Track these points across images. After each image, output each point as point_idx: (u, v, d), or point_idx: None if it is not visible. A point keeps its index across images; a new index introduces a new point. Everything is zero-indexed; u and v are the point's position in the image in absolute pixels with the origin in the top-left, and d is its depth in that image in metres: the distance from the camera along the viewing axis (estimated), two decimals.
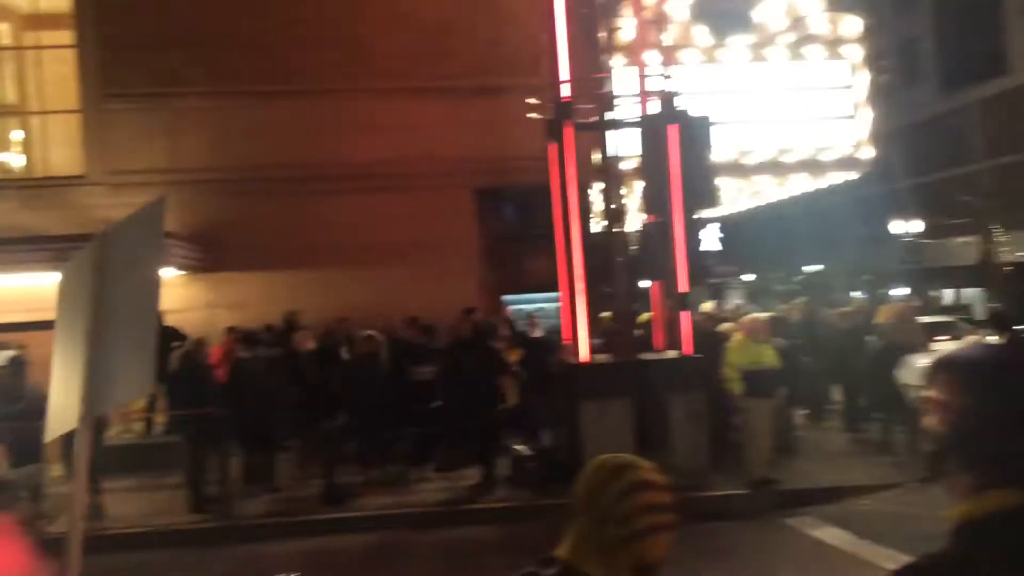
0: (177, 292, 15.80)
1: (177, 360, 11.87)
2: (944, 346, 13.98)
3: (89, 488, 10.61)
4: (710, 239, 13.50)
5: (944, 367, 1.90)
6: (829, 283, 38.36)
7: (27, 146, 17.30)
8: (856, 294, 35.17)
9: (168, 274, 15.22)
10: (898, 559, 7.93)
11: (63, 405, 2.66)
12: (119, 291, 2.63)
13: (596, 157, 11.75)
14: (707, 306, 17.19)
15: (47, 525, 10.30)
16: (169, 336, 13.20)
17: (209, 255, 16.02)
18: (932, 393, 1.88)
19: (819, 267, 40.47)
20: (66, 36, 16.38)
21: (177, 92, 15.85)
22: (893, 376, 11.92)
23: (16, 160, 17.38)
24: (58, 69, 16.57)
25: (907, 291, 31.00)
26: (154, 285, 2.72)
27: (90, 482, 10.59)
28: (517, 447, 11.76)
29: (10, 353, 14.03)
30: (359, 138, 16.09)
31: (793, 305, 15.48)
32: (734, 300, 31.77)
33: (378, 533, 10.04)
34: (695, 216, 11.16)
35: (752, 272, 42.01)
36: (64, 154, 16.74)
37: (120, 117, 16.20)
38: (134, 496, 11.71)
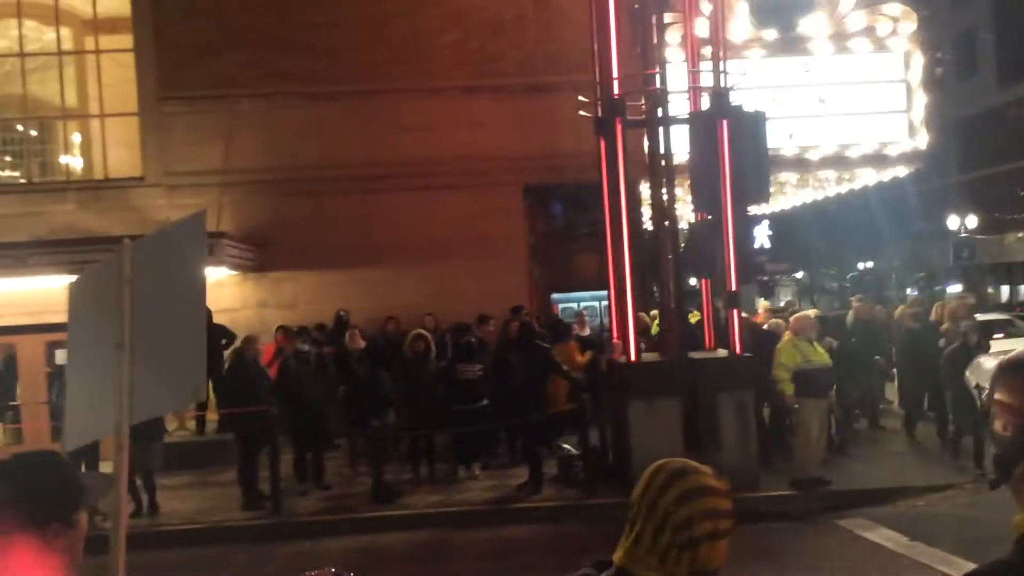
0: (229, 292, 16.07)
1: (228, 358, 12.07)
2: (1004, 345, 13.68)
3: (146, 485, 10.88)
4: (761, 235, 13.35)
5: (1011, 369, 1.86)
6: (881, 280, 37.73)
7: (86, 149, 17.73)
8: (909, 291, 34.55)
9: (220, 274, 15.49)
10: (950, 562, 7.87)
11: (84, 415, 2.66)
12: (158, 302, 2.63)
13: (646, 154, 11.69)
14: (764, 304, 17.08)
15: (103, 521, 10.57)
16: (218, 334, 13.40)
17: (261, 255, 16.27)
18: (998, 396, 1.85)
19: (870, 264, 39.76)
20: (125, 40, 16.74)
21: (232, 94, 16.11)
22: (963, 377, 11.69)
23: (76, 162, 17.81)
24: (117, 73, 16.95)
25: (960, 288, 30.36)
26: (200, 295, 2.73)
27: (146, 480, 10.87)
28: (565, 446, 11.76)
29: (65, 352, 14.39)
30: (409, 137, 16.21)
31: (855, 305, 15.19)
32: (785, 298, 31.40)
33: (425, 531, 10.11)
34: (747, 213, 11.05)
35: (803, 269, 41.43)
36: (123, 156, 17.12)
37: (177, 120, 16.52)
38: (187, 493, 11.94)
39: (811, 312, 13.06)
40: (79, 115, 17.71)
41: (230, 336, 13.65)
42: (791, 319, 11.55)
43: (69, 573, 2.15)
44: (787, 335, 11.00)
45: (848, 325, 14.02)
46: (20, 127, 18.22)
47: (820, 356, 10.75)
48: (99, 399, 2.61)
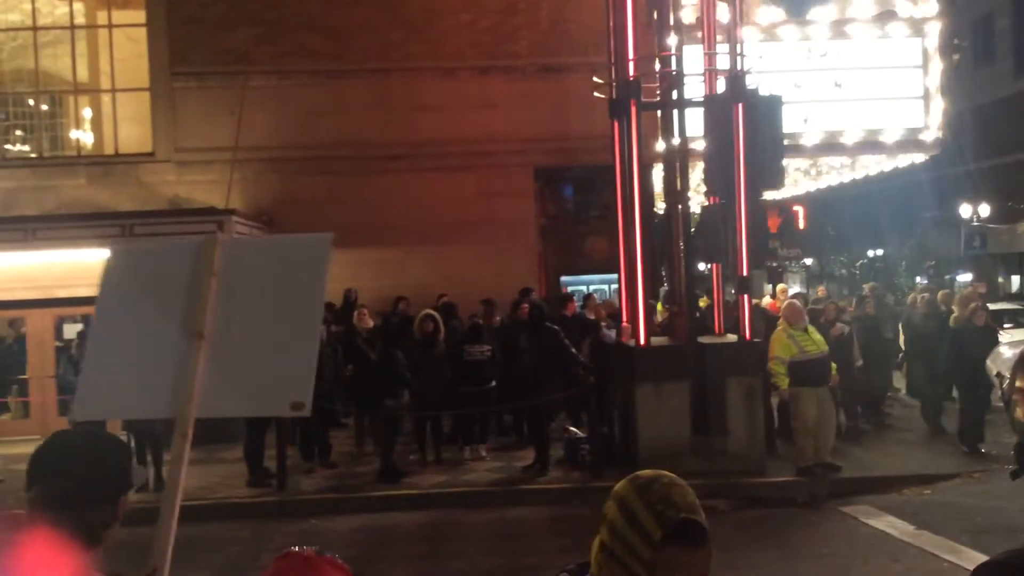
0: None
1: None
2: (1015, 334, 13.61)
3: (155, 459, 10.91)
4: (772, 222, 13.27)
5: None
6: (891, 268, 37.54)
7: (97, 124, 17.70)
8: (919, 280, 34.39)
9: None
10: (957, 550, 7.84)
11: (112, 390, 2.59)
12: (258, 305, 2.61)
13: (660, 137, 11.61)
14: (782, 287, 17.01)
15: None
16: None
17: (271, 232, 16.25)
18: (1020, 383, 1.82)
19: (880, 252, 39.55)
20: (138, 15, 16.70)
21: (244, 71, 16.05)
22: (971, 363, 11.59)
23: (86, 137, 17.79)
24: (129, 48, 16.91)
25: (970, 277, 30.18)
26: (316, 313, 2.69)
27: (155, 453, 10.90)
28: (572, 428, 11.75)
29: (80, 327, 14.43)
30: (421, 117, 16.16)
31: (870, 292, 15.09)
32: (793, 284, 31.28)
33: (432, 511, 10.12)
34: (759, 197, 10.97)
35: (812, 256, 41.24)
36: (133, 132, 17.10)
37: (188, 96, 16.48)
38: (192, 469, 11.82)
39: (798, 300, 12.86)
40: (90, 90, 17.68)
41: None
42: (782, 308, 11.37)
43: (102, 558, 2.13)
44: (780, 324, 10.85)
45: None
46: (31, 101, 18.20)
47: (816, 344, 10.64)
48: (147, 380, 2.56)
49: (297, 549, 1.95)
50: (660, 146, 11.84)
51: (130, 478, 2.20)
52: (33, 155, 17.86)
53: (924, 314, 13.60)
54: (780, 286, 17.50)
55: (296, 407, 2.55)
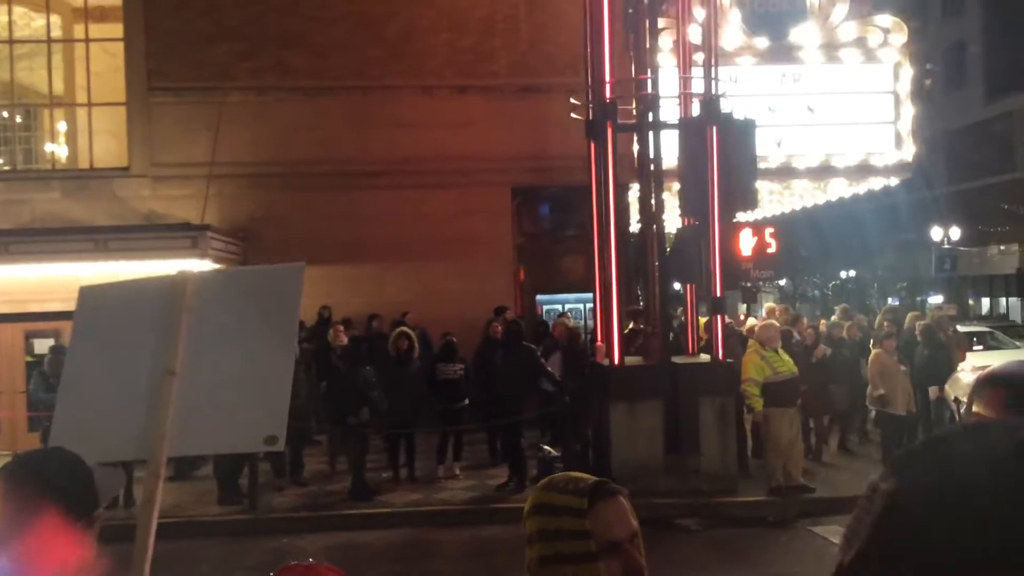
0: None
1: None
2: (983, 358, 13.78)
3: (128, 476, 10.80)
4: (746, 243, 13.34)
5: (989, 383, 1.88)
6: (863, 289, 37.92)
7: (72, 137, 17.61)
8: (891, 301, 34.77)
9: (204, 266, 15.39)
10: None
11: (86, 431, 2.54)
12: (231, 339, 2.60)
13: (635, 158, 11.72)
14: (771, 305, 17.15)
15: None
16: None
17: (246, 248, 16.20)
18: (976, 408, 1.87)
19: (852, 273, 39.96)
20: (115, 29, 16.63)
21: (222, 87, 16.03)
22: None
23: (61, 151, 17.69)
24: (106, 62, 16.84)
25: (941, 299, 30.58)
26: (289, 344, 2.70)
27: (128, 470, 10.81)
28: (546, 448, 11.77)
29: (51, 342, 14.30)
30: (400, 134, 16.19)
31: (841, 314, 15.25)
32: (765, 304, 31.42)
33: (405, 530, 10.10)
34: (733, 219, 11.09)
35: (786, 276, 41.61)
36: (108, 146, 17.01)
37: (165, 111, 16.42)
38: (164, 486, 11.85)
39: (775, 321, 12.95)
40: (66, 103, 17.59)
41: None
42: (757, 329, 11.45)
43: (91, 567, 2.15)
44: (752, 346, 10.91)
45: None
46: (5, 114, 18.08)
47: (786, 365, 10.74)
48: (119, 422, 2.54)
49: (296, 563, 1.97)
50: (635, 167, 11.96)
51: (98, 496, 2.20)
52: (7, 168, 17.73)
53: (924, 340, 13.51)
54: (779, 305, 17.77)
55: (269, 442, 2.55)
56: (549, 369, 11.58)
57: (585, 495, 1.81)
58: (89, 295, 2.74)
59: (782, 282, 41.33)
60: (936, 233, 30.19)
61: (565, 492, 1.84)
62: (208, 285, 2.66)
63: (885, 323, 14.33)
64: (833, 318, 15.26)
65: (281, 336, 2.65)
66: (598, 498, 1.81)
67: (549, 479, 1.94)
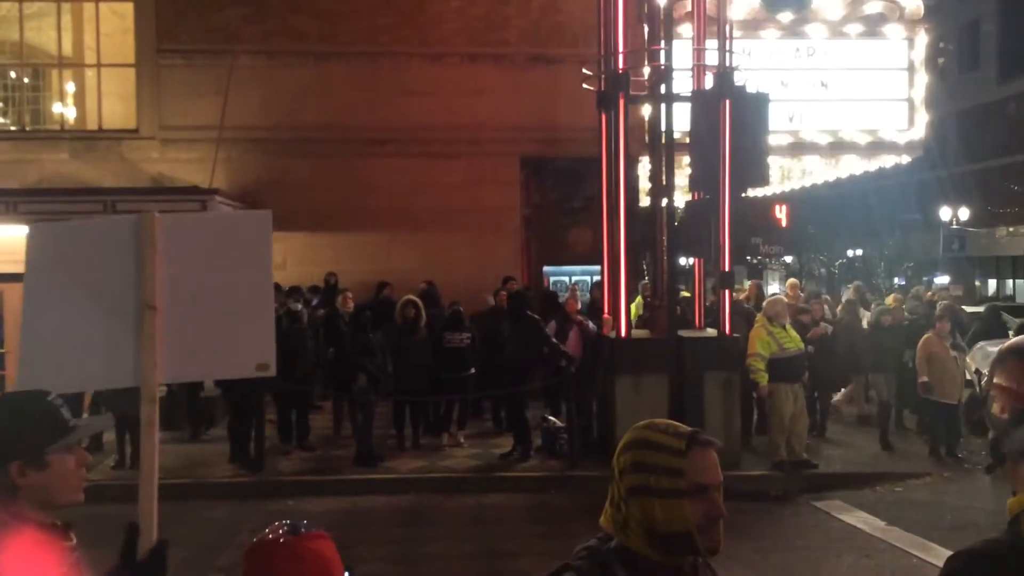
0: None
1: None
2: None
3: (131, 437, 10.88)
4: (757, 217, 13.32)
5: (1012, 354, 1.88)
6: (870, 268, 37.84)
7: (80, 99, 17.53)
8: (897, 281, 34.71)
9: None
10: (926, 547, 7.97)
11: (63, 364, 2.60)
12: (206, 278, 2.66)
13: (646, 130, 11.66)
14: (793, 281, 17.09)
15: (86, 472, 10.57)
16: None
17: None
18: (998, 380, 1.87)
19: (859, 252, 39.85)
20: None
21: (232, 50, 15.91)
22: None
23: (69, 112, 17.62)
24: (115, 23, 16.74)
25: (947, 279, 30.50)
26: (267, 283, 2.76)
27: (131, 432, 10.88)
28: (550, 418, 11.81)
29: None
30: (409, 102, 16.11)
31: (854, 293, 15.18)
32: (772, 282, 31.46)
33: (409, 496, 10.17)
34: (743, 194, 11.03)
35: (793, 254, 41.52)
36: (117, 108, 16.95)
37: (174, 73, 16.35)
38: (169, 448, 11.92)
39: (784, 297, 12.90)
40: (75, 64, 17.49)
41: None
42: (764, 304, 11.42)
43: (35, 514, 2.14)
44: (760, 321, 10.91)
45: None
46: (14, 74, 17.99)
47: (793, 342, 10.75)
48: (99, 353, 2.58)
49: (271, 536, 1.94)
50: (646, 140, 11.90)
51: (52, 436, 2.19)
52: (15, 128, 17.67)
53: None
54: (790, 280, 17.70)
55: (261, 368, 2.61)
56: (555, 340, 11.58)
57: (684, 438, 1.96)
58: (40, 233, 2.73)
59: (788, 259, 41.28)
60: (945, 213, 30.05)
61: (666, 433, 1.98)
62: (176, 227, 2.66)
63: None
64: (879, 300, 14.92)
65: (258, 273, 2.72)
66: (695, 444, 1.96)
67: (649, 421, 2.06)
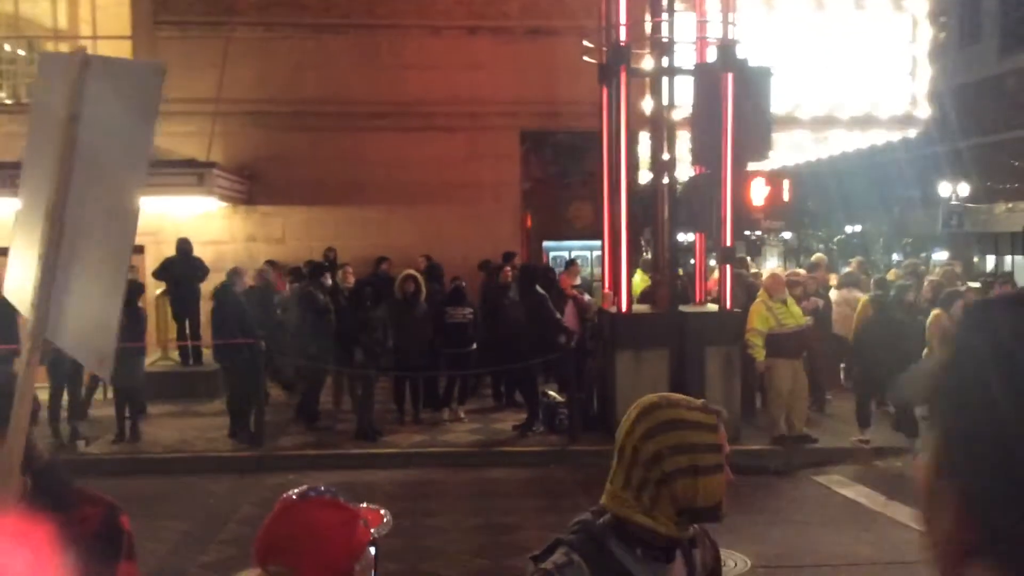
0: (218, 224, 15.93)
1: (214, 292, 12.03)
2: None
3: (131, 412, 10.88)
4: (757, 193, 13.24)
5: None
6: (868, 245, 37.81)
7: None
8: (896, 257, 34.70)
9: (210, 205, 15.33)
10: None
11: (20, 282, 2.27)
12: (93, 175, 2.15)
13: (647, 104, 11.57)
14: (820, 255, 17.04)
15: (85, 446, 10.58)
16: (195, 269, 13.64)
17: (252, 187, 16.10)
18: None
19: (858, 228, 39.79)
20: None
21: (229, 22, 15.76)
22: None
23: None
24: None
25: (946, 255, 30.49)
26: (134, 201, 2.26)
27: (131, 405, 10.88)
28: (551, 393, 11.82)
29: None
30: (408, 76, 15.97)
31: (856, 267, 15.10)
32: (770, 258, 31.41)
33: (409, 470, 10.19)
34: (745, 169, 10.98)
35: (791, 230, 41.45)
36: None
37: (170, 45, 16.16)
38: (169, 422, 11.95)
39: (782, 271, 12.84)
40: (69, 36, 17.31)
41: (204, 271, 13.70)
42: (764, 279, 11.35)
43: None
44: (760, 296, 10.87)
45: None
46: (8, 47, 17.81)
47: (793, 317, 10.72)
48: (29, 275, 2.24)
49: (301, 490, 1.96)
50: (648, 113, 11.81)
51: None
52: (10, 101, 17.52)
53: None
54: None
55: (99, 367, 2.31)
56: (558, 316, 11.56)
57: (711, 412, 2.00)
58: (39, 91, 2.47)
59: (787, 235, 41.21)
60: (945, 188, 29.98)
61: (693, 409, 2.00)
62: (96, 81, 2.28)
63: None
64: (886, 275, 14.72)
65: (130, 179, 2.26)
66: (717, 416, 2.02)
67: (661, 397, 2.04)
